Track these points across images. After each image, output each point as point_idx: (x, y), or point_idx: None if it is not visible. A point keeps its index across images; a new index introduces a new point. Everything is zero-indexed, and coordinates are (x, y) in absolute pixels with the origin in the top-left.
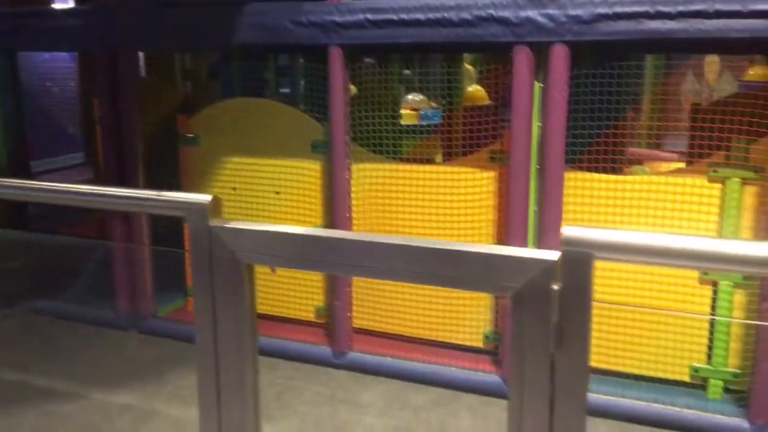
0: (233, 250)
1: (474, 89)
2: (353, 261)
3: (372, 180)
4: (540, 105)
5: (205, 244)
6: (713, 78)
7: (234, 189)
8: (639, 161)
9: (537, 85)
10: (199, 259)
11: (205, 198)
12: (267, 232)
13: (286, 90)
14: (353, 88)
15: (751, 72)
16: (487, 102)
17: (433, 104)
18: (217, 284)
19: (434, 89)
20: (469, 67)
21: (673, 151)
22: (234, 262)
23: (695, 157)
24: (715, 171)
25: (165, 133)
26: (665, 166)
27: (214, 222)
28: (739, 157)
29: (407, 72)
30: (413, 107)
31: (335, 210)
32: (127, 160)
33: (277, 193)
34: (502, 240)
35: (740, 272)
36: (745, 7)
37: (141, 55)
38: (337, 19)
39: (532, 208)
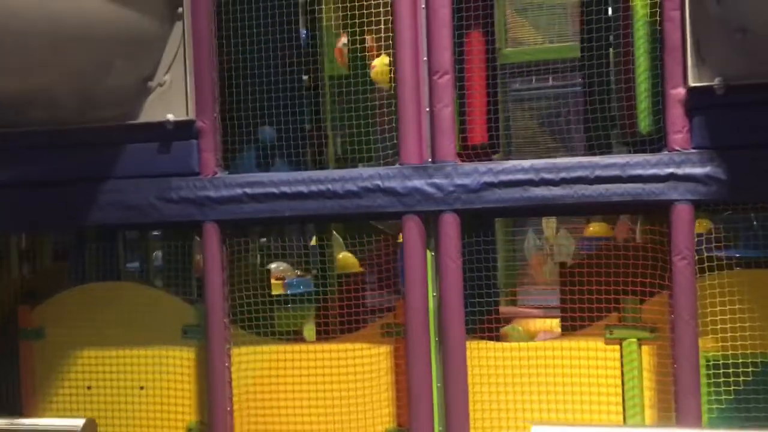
0: None
1: (344, 256)
2: None
3: (255, 365)
4: (433, 274)
5: None
6: (551, 234)
7: (89, 388)
8: (508, 320)
9: (429, 254)
10: None
11: (76, 423)
12: None
13: (135, 264)
14: None
15: (590, 228)
16: (359, 269)
17: (298, 272)
18: None
19: (297, 257)
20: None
21: (532, 306)
22: None
23: (569, 315)
24: (611, 332)
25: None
26: (539, 324)
27: None
28: (633, 318)
29: (263, 240)
30: (278, 276)
31: (214, 403)
32: None
33: (142, 388)
34: (405, 421)
35: None
36: (625, 173)
37: None
38: (212, 194)
39: (435, 384)
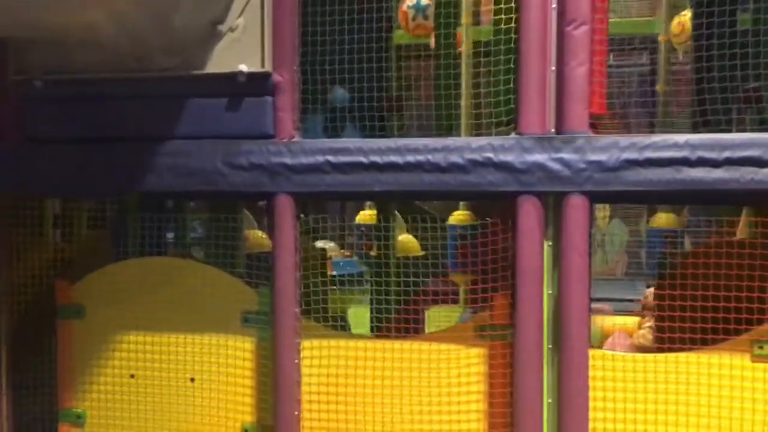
0: None
1: (405, 239)
2: None
3: (328, 363)
4: (550, 268)
5: None
6: (602, 223)
7: (132, 376)
8: None
9: (546, 245)
10: None
11: None
12: None
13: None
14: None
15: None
16: (419, 253)
17: (346, 252)
18: None
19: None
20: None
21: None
22: None
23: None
24: (760, 348)
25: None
26: (609, 320)
27: None
28: None
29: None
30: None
31: (280, 405)
32: None
33: (192, 380)
34: None
35: None
36: None
37: None
38: (288, 161)
39: (546, 399)
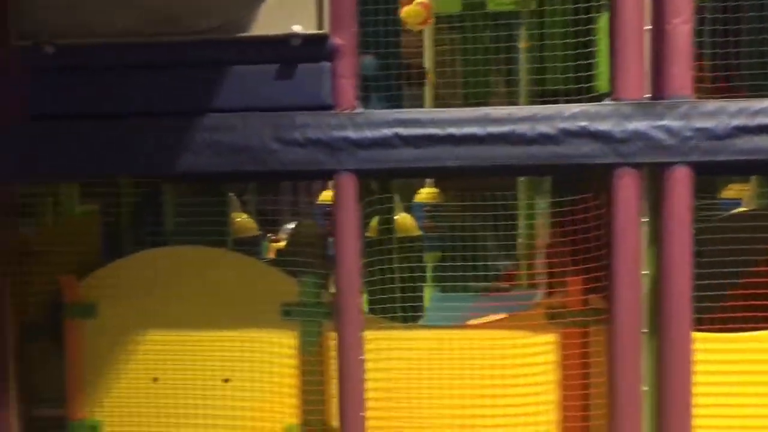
0: None
1: (402, 217)
2: None
3: (390, 356)
4: (648, 245)
5: None
6: None
7: (155, 380)
8: None
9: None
10: None
11: None
12: None
13: None
14: None
15: None
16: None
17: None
18: None
19: None
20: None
21: None
22: None
23: None
24: None
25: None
26: None
27: None
28: None
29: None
30: None
31: (344, 407)
32: None
33: (226, 381)
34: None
35: None
36: None
37: None
38: (352, 135)
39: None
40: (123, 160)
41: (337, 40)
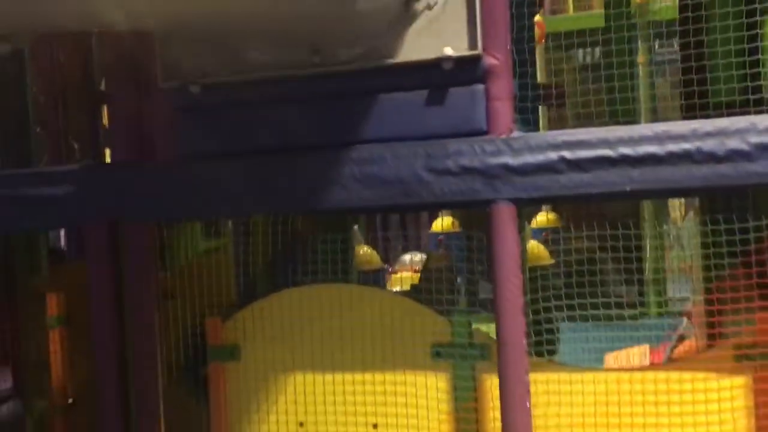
0: None
1: (533, 245)
2: None
3: (559, 401)
4: None
5: None
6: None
7: (301, 425)
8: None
9: None
10: None
11: None
12: None
13: None
14: None
15: None
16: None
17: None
18: None
19: None
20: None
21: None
22: None
23: None
24: None
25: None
26: None
27: None
28: None
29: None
30: (415, 269)
31: None
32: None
33: (375, 426)
34: None
35: None
36: None
37: None
38: (510, 161)
39: None
40: (271, 197)
41: (490, 60)
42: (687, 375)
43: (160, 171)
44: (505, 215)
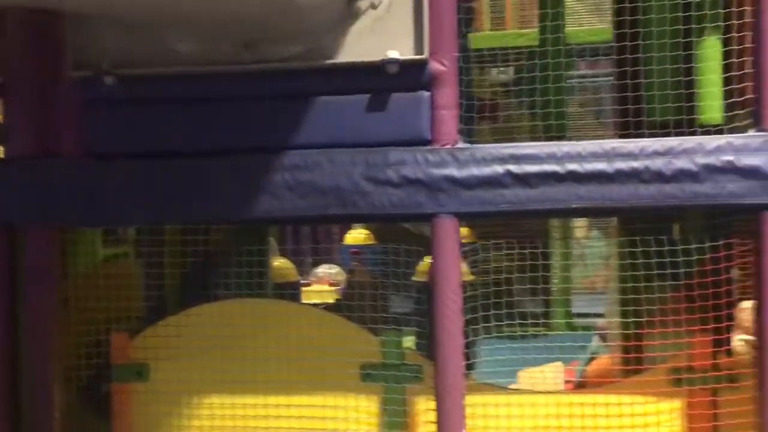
0: None
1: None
2: None
3: (499, 425)
4: None
5: None
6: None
7: None
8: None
9: None
10: None
11: None
12: None
13: None
14: None
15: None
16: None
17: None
18: None
19: None
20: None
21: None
22: None
23: None
24: None
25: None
26: None
27: None
28: None
29: None
30: (331, 282)
31: None
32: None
33: None
34: None
35: None
36: None
37: None
38: (455, 173)
39: None
40: (192, 205)
41: (437, 66)
42: (624, 398)
43: (62, 171)
44: (448, 229)
